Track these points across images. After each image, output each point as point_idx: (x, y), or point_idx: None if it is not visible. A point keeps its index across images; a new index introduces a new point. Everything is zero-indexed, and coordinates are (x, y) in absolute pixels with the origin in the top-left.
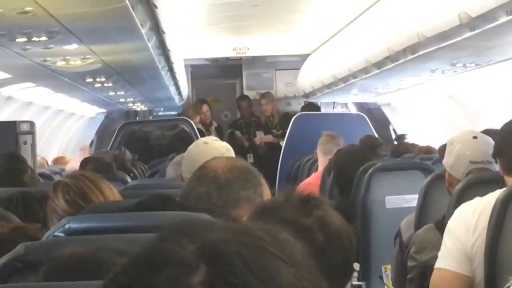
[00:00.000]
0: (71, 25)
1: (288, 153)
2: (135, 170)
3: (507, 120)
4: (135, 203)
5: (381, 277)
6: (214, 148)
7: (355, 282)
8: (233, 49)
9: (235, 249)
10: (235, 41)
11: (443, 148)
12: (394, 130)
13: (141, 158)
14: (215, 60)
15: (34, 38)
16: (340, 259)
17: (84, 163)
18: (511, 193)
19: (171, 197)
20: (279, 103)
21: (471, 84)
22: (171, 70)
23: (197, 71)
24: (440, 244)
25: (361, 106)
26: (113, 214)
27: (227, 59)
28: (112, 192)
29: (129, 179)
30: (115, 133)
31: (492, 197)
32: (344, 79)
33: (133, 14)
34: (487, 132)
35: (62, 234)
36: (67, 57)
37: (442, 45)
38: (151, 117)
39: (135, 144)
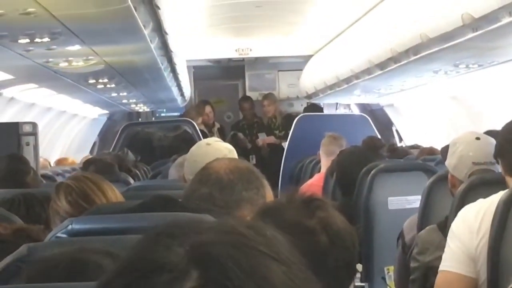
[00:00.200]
0: (74, 26)
1: (290, 154)
2: (137, 171)
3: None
4: (138, 204)
5: (383, 278)
6: (216, 149)
7: (357, 283)
8: (236, 50)
9: (226, 250)
10: (238, 42)
11: (446, 149)
12: (397, 131)
13: (144, 159)
14: (217, 61)
15: (37, 39)
16: (342, 260)
17: (87, 164)
18: None
19: (174, 198)
20: (281, 104)
21: (474, 85)
22: (173, 71)
23: (199, 72)
24: (443, 245)
25: (363, 107)
26: (116, 215)
27: (229, 60)
28: (114, 194)
29: (131, 180)
30: (118, 134)
31: (495, 199)
32: (347, 80)
33: (136, 15)
34: (490, 133)
35: (65, 235)
36: (70, 58)
37: (445, 46)
38: (153, 118)
39: (138, 145)
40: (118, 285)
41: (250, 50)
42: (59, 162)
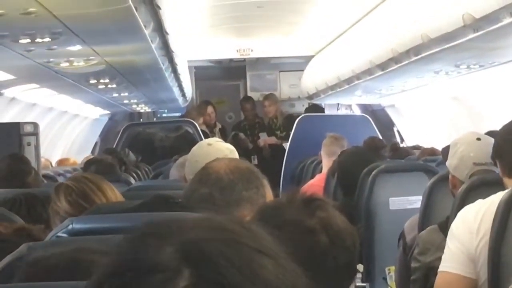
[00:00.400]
0: (75, 26)
1: (292, 154)
2: (139, 172)
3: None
4: (138, 204)
5: (384, 279)
6: (217, 149)
7: (358, 284)
8: (237, 51)
9: (217, 247)
10: (239, 43)
11: (446, 150)
12: (398, 131)
13: (145, 160)
14: (219, 62)
15: (38, 39)
16: (343, 260)
17: (88, 164)
18: None
19: (174, 198)
20: (283, 105)
21: (475, 86)
22: (174, 71)
23: (201, 73)
24: (444, 246)
25: (365, 107)
26: (116, 215)
27: (231, 60)
28: (114, 193)
29: (132, 181)
30: (119, 135)
31: (495, 199)
32: (348, 81)
33: (137, 15)
34: (490, 133)
35: (65, 235)
36: (71, 58)
37: (446, 46)
38: (155, 119)
39: (139, 146)
40: (111, 286)
41: (251, 50)
42: (61, 162)
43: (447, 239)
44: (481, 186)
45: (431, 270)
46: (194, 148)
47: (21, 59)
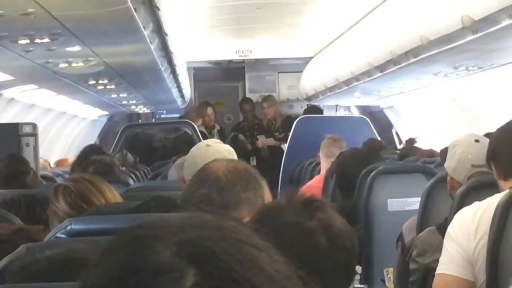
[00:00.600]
0: (74, 27)
1: (290, 156)
2: (137, 172)
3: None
4: (137, 205)
5: (383, 280)
6: (216, 150)
7: (357, 285)
8: (236, 52)
9: (215, 243)
10: (238, 44)
11: (445, 152)
12: (396, 133)
13: (144, 161)
14: (217, 63)
15: (37, 40)
16: (342, 261)
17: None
18: None
19: (172, 199)
20: (281, 106)
21: (474, 87)
22: (173, 72)
23: (199, 74)
24: (442, 247)
25: (363, 109)
26: (115, 216)
27: (230, 61)
28: (113, 194)
29: (131, 181)
30: (118, 136)
31: (493, 200)
32: (347, 82)
33: (136, 16)
34: (489, 135)
35: (64, 236)
36: (70, 59)
37: (444, 48)
38: (153, 120)
39: (138, 147)
40: None
41: (250, 51)
42: (59, 163)
43: (444, 241)
44: (479, 188)
45: (429, 272)
46: (193, 149)
47: (20, 59)
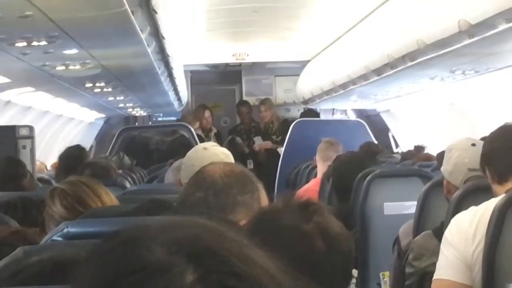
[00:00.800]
0: (71, 30)
1: (287, 159)
2: (134, 175)
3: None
4: (133, 208)
5: (379, 284)
6: (213, 153)
7: None
8: (233, 55)
9: (211, 240)
10: (235, 47)
11: (441, 155)
12: (393, 137)
13: (140, 164)
14: (214, 66)
15: (34, 43)
16: (339, 265)
17: (83, 167)
18: (509, 201)
19: (169, 202)
20: (278, 109)
21: (470, 91)
22: (170, 75)
23: (196, 77)
24: (438, 251)
25: (360, 112)
26: (112, 219)
27: (226, 65)
28: (110, 197)
29: (128, 184)
30: (114, 139)
31: (490, 204)
32: (344, 86)
33: (133, 19)
34: (485, 139)
35: (60, 239)
36: (67, 62)
37: (441, 52)
38: (150, 123)
39: (134, 150)
40: None
41: (247, 55)
42: (56, 165)
43: (441, 246)
44: (476, 192)
45: (425, 276)
46: (190, 152)
47: (17, 62)
